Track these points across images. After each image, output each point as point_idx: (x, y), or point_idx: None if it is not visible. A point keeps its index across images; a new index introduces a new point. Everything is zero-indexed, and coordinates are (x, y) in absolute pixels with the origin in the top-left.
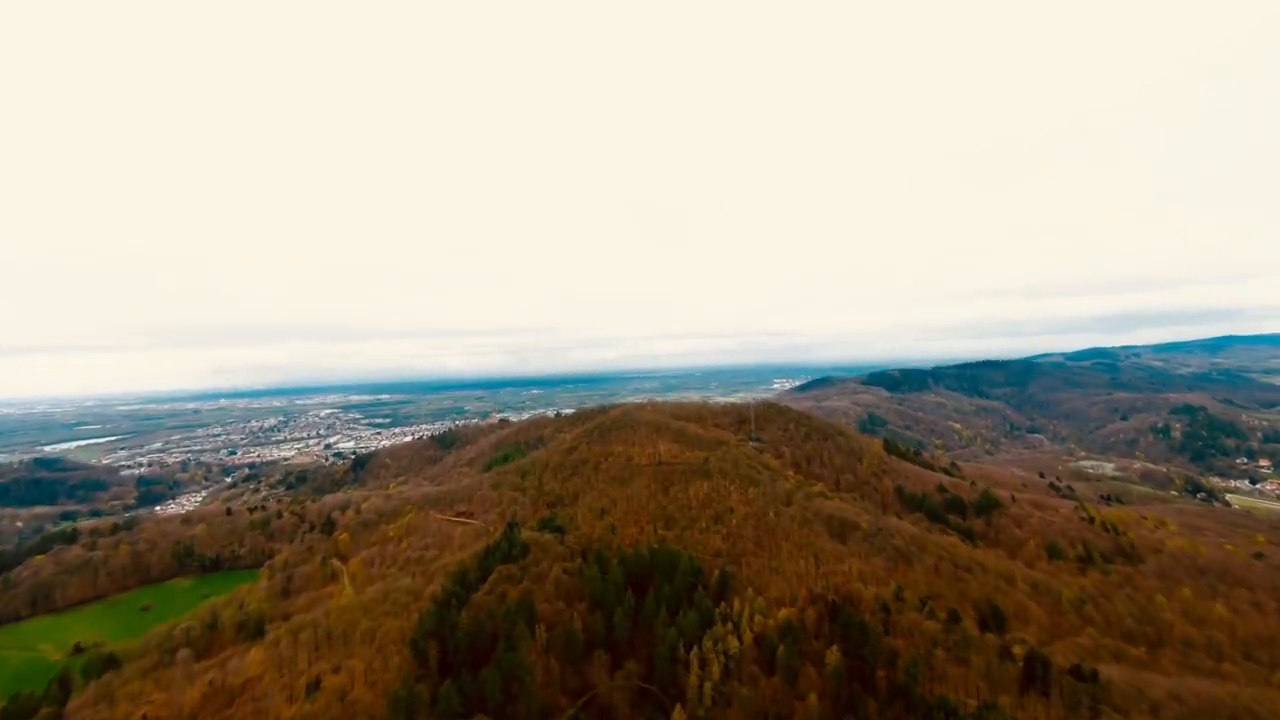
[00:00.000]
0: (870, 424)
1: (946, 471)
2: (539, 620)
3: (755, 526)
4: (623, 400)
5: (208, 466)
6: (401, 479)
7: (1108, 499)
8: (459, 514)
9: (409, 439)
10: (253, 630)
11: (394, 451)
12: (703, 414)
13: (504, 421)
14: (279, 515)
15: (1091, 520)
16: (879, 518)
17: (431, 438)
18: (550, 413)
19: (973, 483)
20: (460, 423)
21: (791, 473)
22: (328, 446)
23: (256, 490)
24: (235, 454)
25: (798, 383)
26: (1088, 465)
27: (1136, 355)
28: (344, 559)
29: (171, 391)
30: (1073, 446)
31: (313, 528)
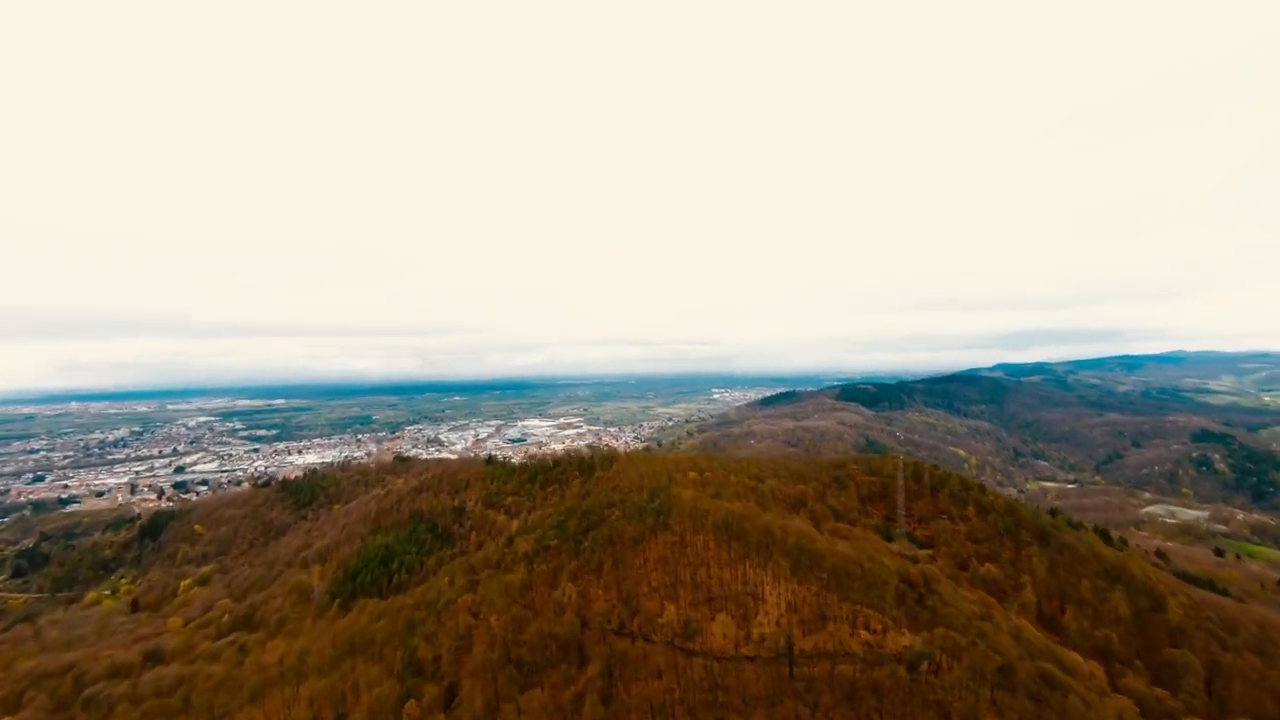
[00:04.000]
0: (869, 450)
1: (1185, 577)
2: None
3: None
4: (558, 410)
5: None
6: (209, 567)
7: None
8: None
9: (259, 481)
10: None
11: (215, 510)
12: (803, 491)
13: (401, 460)
14: None
15: None
16: None
17: (282, 486)
18: (477, 433)
19: None
20: (362, 442)
21: (1086, 662)
22: (179, 470)
23: None
24: (44, 480)
25: (741, 394)
26: (1188, 515)
27: (1073, 372)
28: None
29: (10, 391)
30: (1099, 480)
31: None
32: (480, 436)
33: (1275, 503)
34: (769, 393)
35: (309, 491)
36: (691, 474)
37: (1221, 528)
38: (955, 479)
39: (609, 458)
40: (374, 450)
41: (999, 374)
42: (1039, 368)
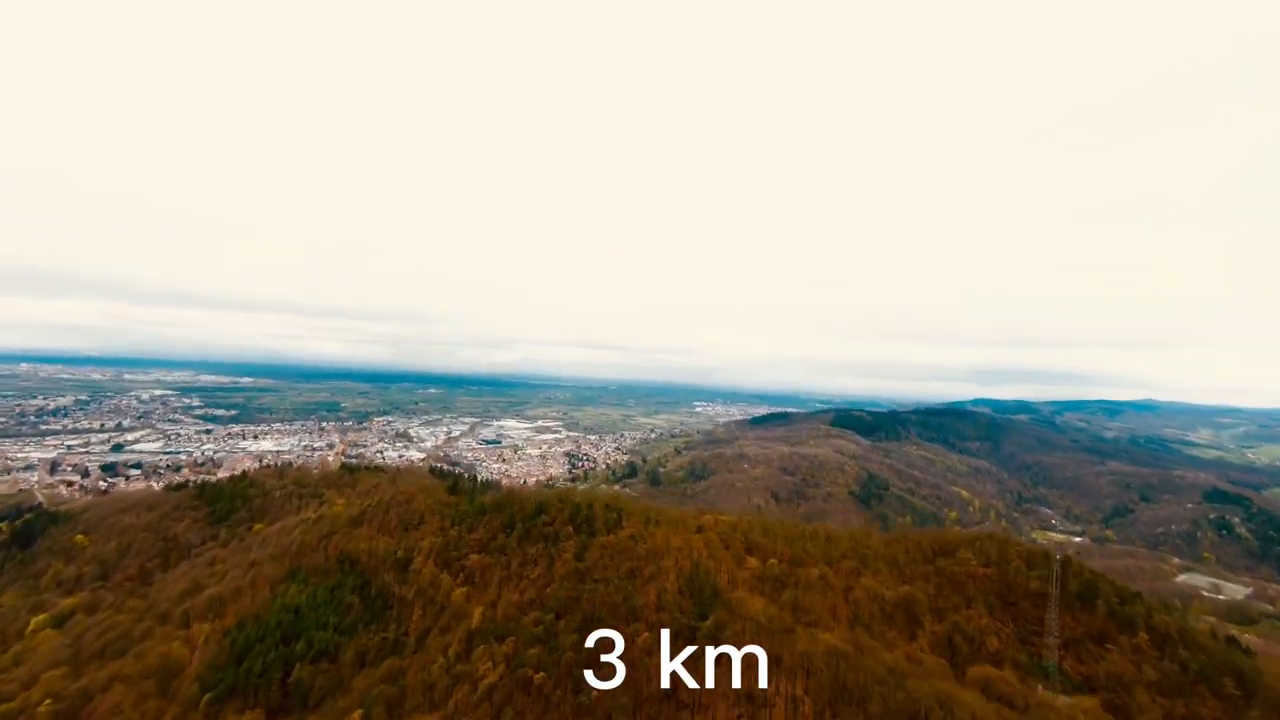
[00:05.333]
0: (872, 487)
1: None
2: None
3: None
4: (535, 411)
5: None
6: (77, 597)
7: None
8: None
9: (162, 484)
10: None
11: (110, 516)
12: (910, 595)
13: (348, 471)
14: None
15: None
16: None
17: (199, 492)
18: (450, 431)
19: None
20: (326, 431)
21: None
22: (116, 448)
23: None
24: None
25: (724, 409)
26: (1235, 590)
27: (1059, 413)
28: None
29: None
30: (1110, 534)
31: None
32: (453, 434)
33: None
34: (751, 408)
35: (229, 501)
36: (751, 561)
37: (1269, 608)
38: (1108, 585)
39: (615, 510)
40: (336, 441)
41: (986, 410)
42: (1022, 406)
